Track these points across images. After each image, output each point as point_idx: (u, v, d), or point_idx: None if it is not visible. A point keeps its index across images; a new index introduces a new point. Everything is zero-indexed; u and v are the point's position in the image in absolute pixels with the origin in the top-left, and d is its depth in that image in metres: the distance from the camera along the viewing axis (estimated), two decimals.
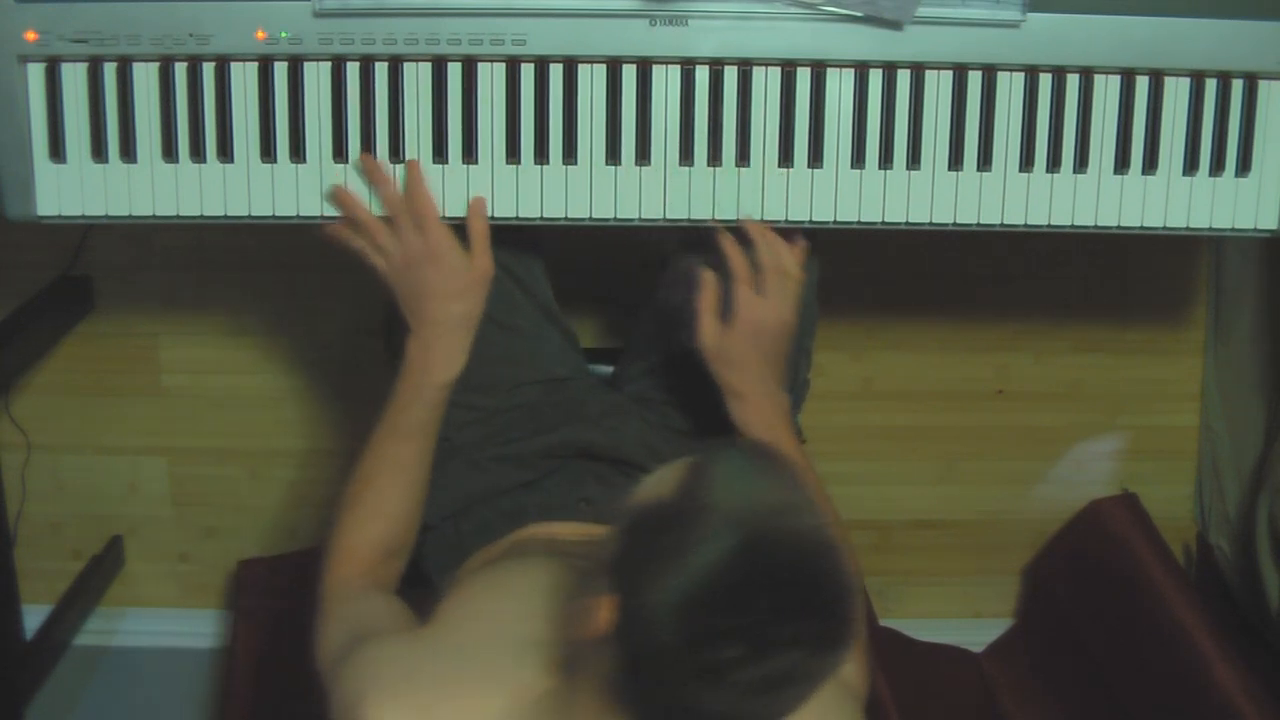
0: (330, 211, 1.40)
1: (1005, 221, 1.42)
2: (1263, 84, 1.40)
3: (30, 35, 1.33)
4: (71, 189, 1.38)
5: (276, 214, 1.40)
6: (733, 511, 0.91)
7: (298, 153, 1.38)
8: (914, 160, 1.40)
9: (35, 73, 1.36)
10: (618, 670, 0.94)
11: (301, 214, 1.40)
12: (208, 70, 1.36)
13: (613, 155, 1.39)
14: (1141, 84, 1.40)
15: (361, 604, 1.26)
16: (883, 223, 1.42)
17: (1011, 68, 1.38)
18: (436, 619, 1.19)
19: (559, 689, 1.04)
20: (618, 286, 2.01)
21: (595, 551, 1.02)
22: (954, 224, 1.41)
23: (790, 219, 1.41)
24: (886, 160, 1.40)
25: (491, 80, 1.38)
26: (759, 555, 0.90)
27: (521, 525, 1.45)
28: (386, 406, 1.37)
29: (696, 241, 1.45)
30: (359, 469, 1.36)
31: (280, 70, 1.37)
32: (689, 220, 1.40)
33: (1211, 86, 1.40)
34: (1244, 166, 1.42)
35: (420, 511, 1.38)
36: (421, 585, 1.53)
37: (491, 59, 1.37)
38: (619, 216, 1.40)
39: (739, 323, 1.37)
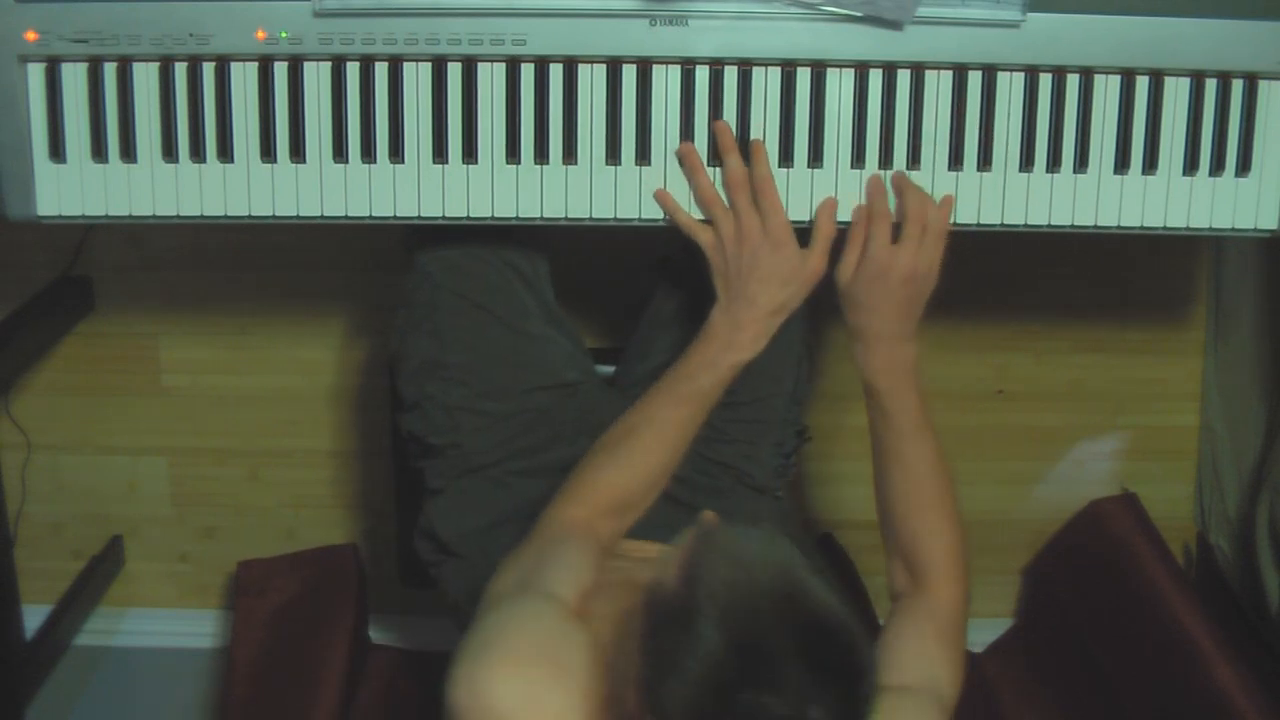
0: (330, 211, 1.40)
1: (1005, 221, 1.42)
2: (1263, 84, 1.40)
3: (30, 35, 1.33)
4: (71, 189, 1.38)
5: (276, 214, 1.40)
6: (719, 608, 0.89)
7: (298, 153, 1.38)
8: (914, 160, 1.40)
9: (35, 73, 1.36)
10: None
11: (301, 214, 1.40)
12: (208, 70, 1.36)
13: (613, 155, 1.39)
14: (1141, 84, 1.40)
15: (568, 549, 1.24)
16: None
17: (1011, 68, 1.38)
18: (586, 613, 1.16)
19: None
20: (618, 286, 2.01)
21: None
22: (954, 224, 1.40)
23: (790, 219, 1.40)
24: (886, 160, 1.40)
25: (491, 80, 1.38)
26: (748, 655, 0.88)
27: None
28: (676, 367, 1.38)
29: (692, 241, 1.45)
30: (624, 421, 1.37)
31: (280, 70, 1.37)
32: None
33: (1211, 86, 1.40)
34: (1244, 166, 1.42)
35: (666, 478, 1.38)
36: (450, 612, 1.53)
37: (491, 59, 1.37)
38: (619, 216, 1.40)
39: (869, 263, 1.35)
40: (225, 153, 1.38)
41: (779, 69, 1.38)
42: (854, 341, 1.38)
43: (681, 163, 1.38)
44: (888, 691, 1.22)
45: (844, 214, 1.40)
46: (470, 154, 1.39)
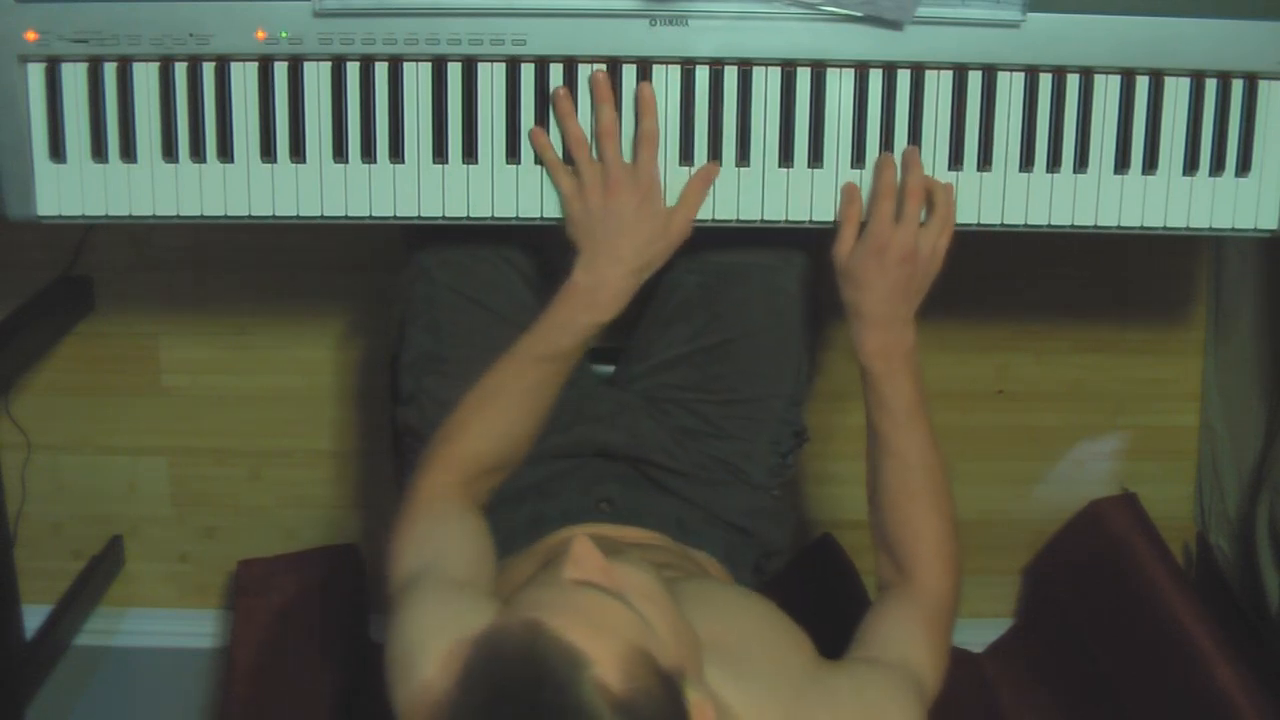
0: (330, 211, 1.40)
1: (1005, 221, 1.42)
2: (1263, 84, 1.40)
3: (30, 35, 1.33)
4: (71, 189, 1.38)
5: (276, 214, 1.40)
6: (464, 662, 0.92)
7: (298, 153, 1.38)
8: None
9: (35, 73, 1.36)
10: None
11: (301, 214, 1.40)
12: (208, 70, 1.36)
13: None
14: (1141, 84, 1.40)
15: (449, 524, 1.25)
16: None
17: (1011, 68, 1.38)
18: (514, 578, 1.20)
19: None
20: None
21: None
22: (954, 224, 1.40)
23: (790, 219, 1.41)
24: None
25: (491, 80, 1.38)
26: (462, 695, 0.91)
27: (544, 532, 1.44)
28: (533, 328, 1.36)
29: (693, 241, 1.45)
30: (486, 382, 1.35)
31: (280, 70, 1.37)
32: None
33: (1211, 86, 1.40)
34: (1244, 166, 1.42)
35: (535, 435, 1.37)
36: None
37: (491, 59, 1.37)
38: None
39: (868, 238, 1.35)
40: (225, 153, 1.38)
41: (779, 69, 1.38)
42: (850, 321, 1.37)
43: (554, 108, 1.37)
44: (861, 663, 1.21)
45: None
46: (470, 154, 1.39)
